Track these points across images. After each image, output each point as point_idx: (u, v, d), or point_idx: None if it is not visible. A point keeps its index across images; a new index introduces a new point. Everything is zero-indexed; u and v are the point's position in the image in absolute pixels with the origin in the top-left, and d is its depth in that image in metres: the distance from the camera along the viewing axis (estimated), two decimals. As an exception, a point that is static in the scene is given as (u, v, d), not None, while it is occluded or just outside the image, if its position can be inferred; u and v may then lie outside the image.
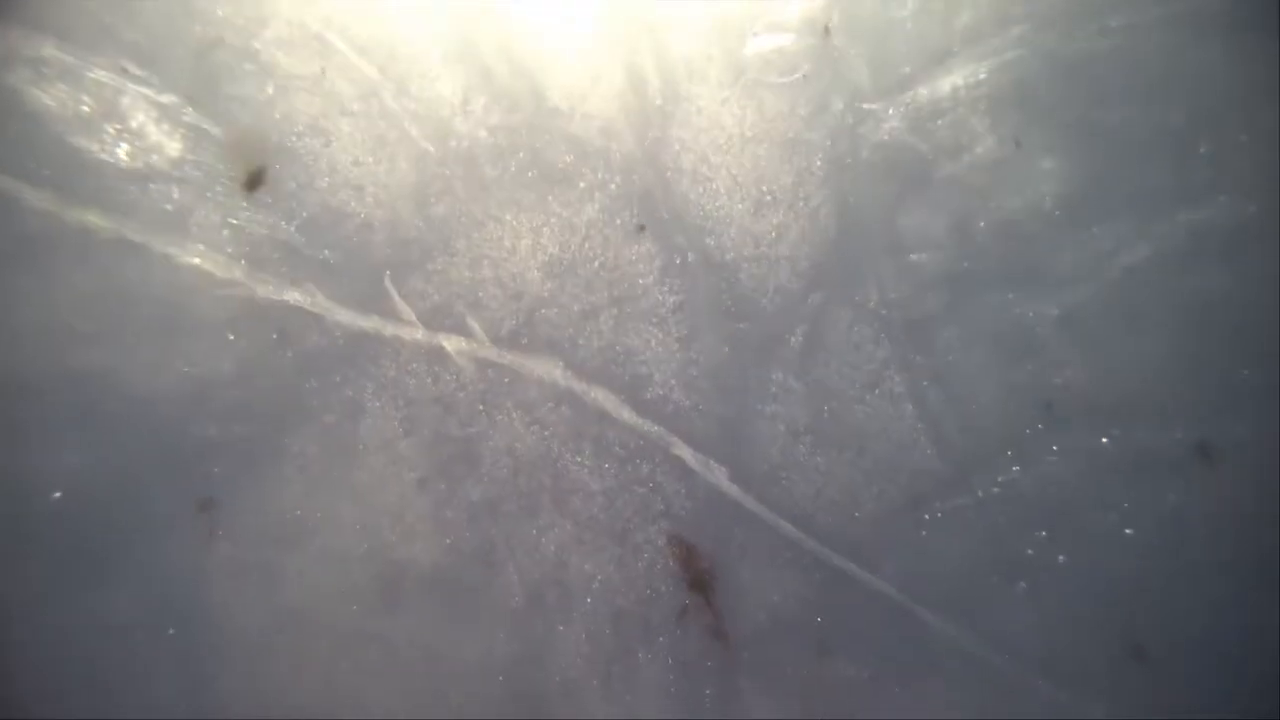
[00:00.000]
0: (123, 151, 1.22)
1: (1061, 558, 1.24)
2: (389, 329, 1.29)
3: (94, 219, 1.21)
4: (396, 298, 1.29)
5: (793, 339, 1.32)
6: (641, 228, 1.34)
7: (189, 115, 1.25)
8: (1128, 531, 1.22)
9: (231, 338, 1.24)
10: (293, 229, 1.29)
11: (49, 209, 1.21)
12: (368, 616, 1.27)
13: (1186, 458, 1.25)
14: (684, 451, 1.31)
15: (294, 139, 1.30)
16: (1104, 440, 1.24)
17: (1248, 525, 1.24)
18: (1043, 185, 1.27)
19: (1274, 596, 1.23)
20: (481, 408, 1.30)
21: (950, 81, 1.32)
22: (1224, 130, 1.23)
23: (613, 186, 1.34)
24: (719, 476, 1.31)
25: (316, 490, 1.27)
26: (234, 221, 1.27)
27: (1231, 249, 1.23)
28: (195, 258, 1.25)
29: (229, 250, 1.26)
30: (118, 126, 1.23)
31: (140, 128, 1.23)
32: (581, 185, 1.35)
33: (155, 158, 1.23)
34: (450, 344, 1.30)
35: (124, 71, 1.25)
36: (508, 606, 1.28)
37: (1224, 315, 1.24)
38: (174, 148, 1.25)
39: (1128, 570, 1.24)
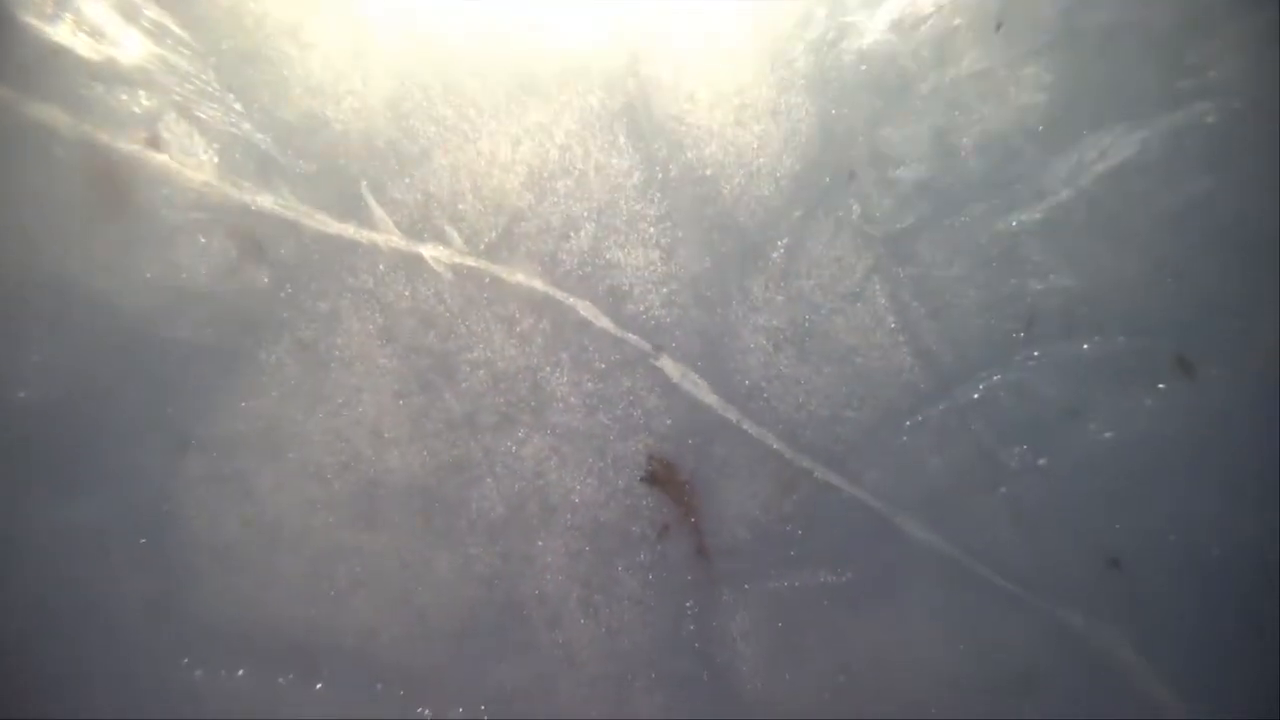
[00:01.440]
0: (88, 47, 1.19)
1: (1040, 465, 1.24)
2: (365, 236, 1.27)
3: (58, 116, 1.18)
4: (374, 205, 1.27)
5: (774, 252, 1.31)
6: (622, 141, 1.32)
7: (153, 12, 1.23)
8: (1105, 435, 1.22)
9: (203, 241, 1.22)
10: (268, 137, 1.26)
11: (9, 103, 1.18)
12: (343, 529, 1.25)
13: (1165, 368, 1.25)
14: (664, 364, 1.30)
15: (269, 44, 1.27)
16: (1084, 349, 1.24)
17: (1225, 436, 1.25)
18: (1025, 95, 1.27)
19: (1249, 507, 1.24)
20: (460, 319, 1.28)
21: (933, -5, 1.31)
22: (1209, 33, 1.22)
23: (593, 100, 1.33)
24: (700, 389, 1.30)
25: (291, 401, 1.25)
26: (207, 125, 1.24)
27: (1215, 154, 1.23)
28: (165, 160, 1.22)
29: (201, 155, 1.24)
30: (83, 21, 1.20)
31: (105, 23, 1.20)
32: (562, 98, 1.33)
33: (122, 55, 1.20)
34: (429, 252, 1.28)
35: (92, -29, 1.22)
36: (486, 519, 1.27)
37: (1206, 222, 1.24)
38: (142, 46, 1.22)
39: (1105, 479, 1.25)
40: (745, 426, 1.29)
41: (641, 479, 1.29)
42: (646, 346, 1.30)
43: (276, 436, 1.25)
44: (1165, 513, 1.23)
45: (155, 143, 1.23)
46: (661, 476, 1.29)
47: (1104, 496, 1.24)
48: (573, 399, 1.28)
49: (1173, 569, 1.23)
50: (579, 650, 1.25)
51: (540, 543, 1.27)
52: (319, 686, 1.22)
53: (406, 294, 1.28)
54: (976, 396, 1.25)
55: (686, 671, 1.26)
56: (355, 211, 1.28)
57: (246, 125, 1.26)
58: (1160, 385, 1.23)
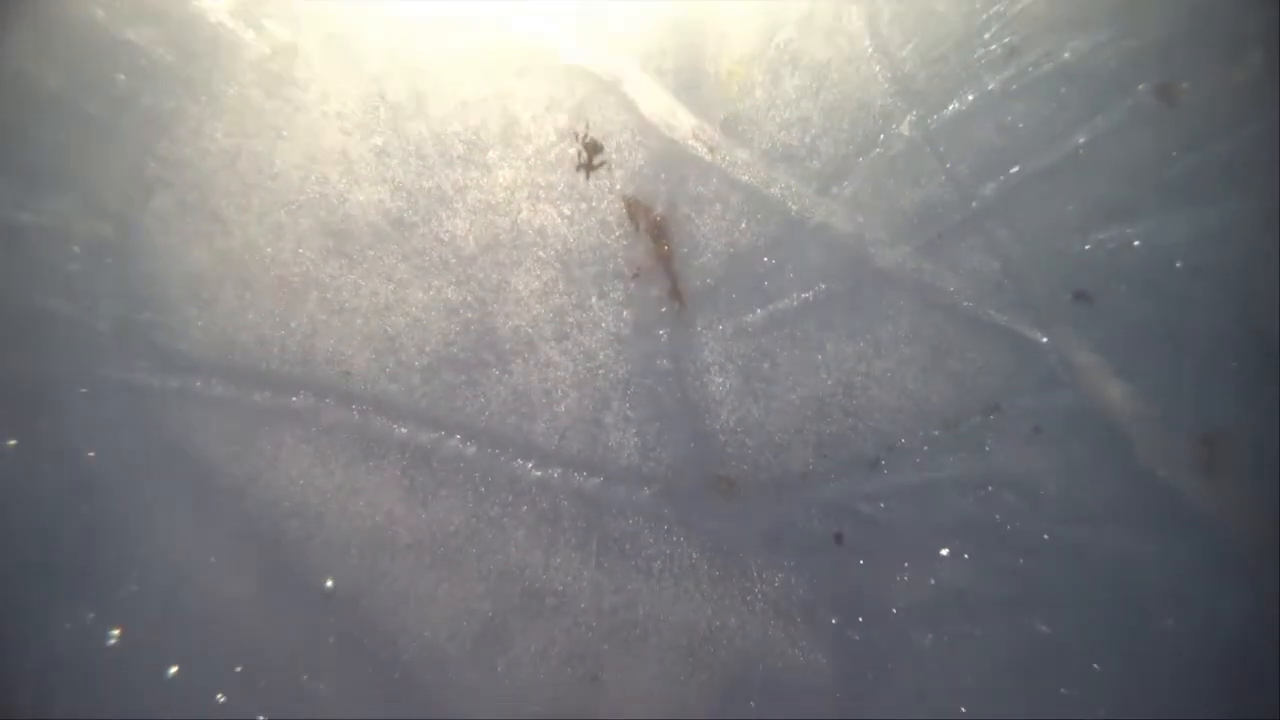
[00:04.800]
0: None
1: (1012, 192, 1.23)
2: (324, -46, 1.22)
3: None
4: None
5: (750, -21, 1.27)
6: None
7: None
8: (1082, 154, 1.21)
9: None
10: None
11: None
12: (314, 263, 1.25)
13: (1146, 97, 1.23)
14: (638, 95, 1.27)
15: None
16: (1063, 74, 1.22)
17: (1199, 165, 1.24)
18: None
19: (1220, 244, 1.24)
20: (428, 48, 1.25)
21: None
22: None
23: None
24: (676, 122, 1.28)
25: (256, 132, 1.23)
26: None
27: None
28: None
29: None
30: None
31: None
32: None
33: None
34: (390, -28, 1.23)
35: None
36: (458, 253, 1.27)
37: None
38: None
39: (1080, 207, 1.24)
40: (717, 162, 1.27)
41: (615, 214, 1.28)
42: (620, 75, 1.27)
43: (244, 169, 1.23)
44: (1137, 247, 1.23)
45: None
46: (635, 212, 1.29)
47: (1077, 225, 1.24)
48: (545, 127, 1.26)
49: (1138, 296, 1.24)
50: (553, 381, 1.27)
51: (513, 277, 1.27)
52: (295, 401, 1.22)
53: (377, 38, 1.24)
54: (953, 124, 1.23)
55: (660, 403, 1.28)
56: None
57: None
58: (1140, 107, 1.22)
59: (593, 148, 1.25)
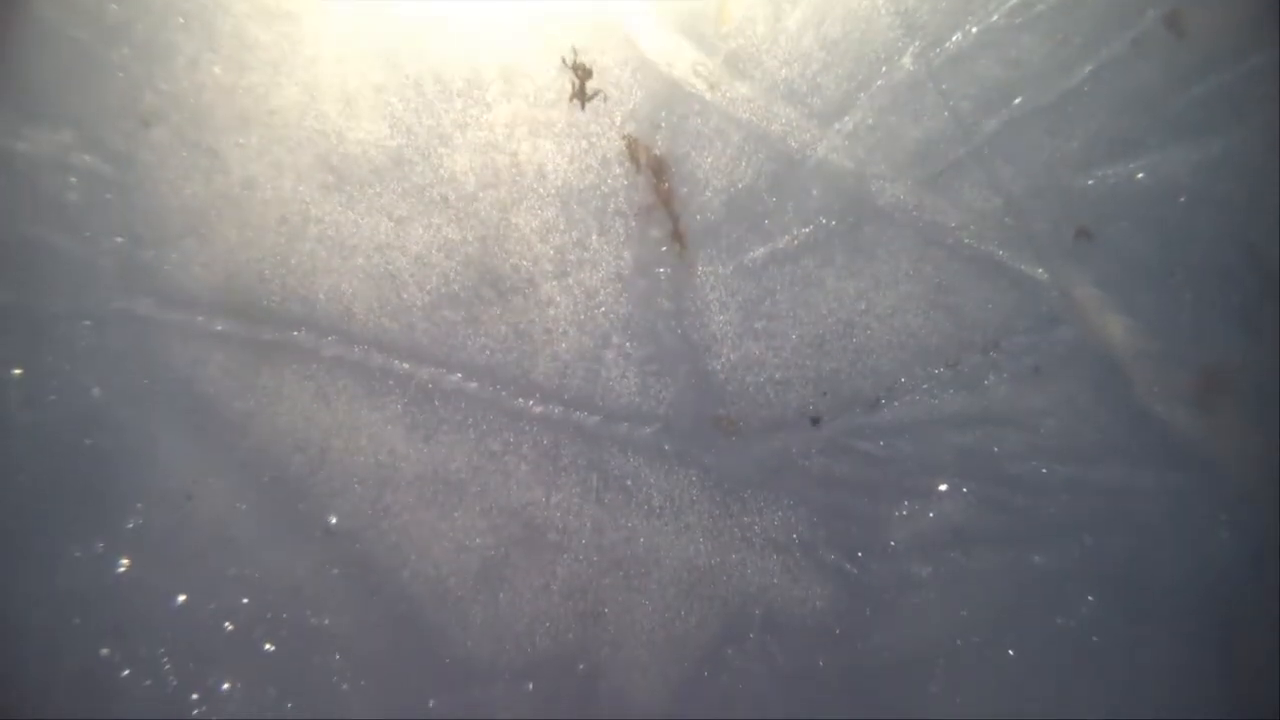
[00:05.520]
0: None
1: (1015, 128, 1.23)
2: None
3: None
4: None
5: (751, -89, 1.25)
6: None
7: None
8: (1087, 87, 1.21)
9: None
10: None
11: None
12: (312, 200, 1.24)
13: (1154, 26, 1.22)
14: (638, 32, 1.26)
15: None
16: (1069, 4, 1.20)
17: (1206, 96, 1.23)
18: None
19: (1224, 176, 1.23)
20: (424, -18, 1.23)
21: None
22: None
23: None
24: (677, 59, 1.27)
25: (254, 66, 1.22)
26: None
27: None
28: None
29: None
30: None
31: None
32: None
33: None
34: (386, -98, 1.22)
35: None
36: (459, 191, 1.26)
37: None
38: None
39: (1084, 142, 1.24)
40: (717, 97, 1.27)
41: (615, 153, 1.27)
42: (619, 11, 1.25)
43: (241, 104, 1.22)
44: (1137, 174, 1.23)
45: None
46: (635, 150, 1.28)
47: (1079, 161, 1.24)
48: (544, 64, 1.25)
49: (1140, 231, 1.23)
50: (554, 320, 1.27)
51: (513, 215, 1.27)
52: (297, 337, 1.23)
53: (367, -44, 1.23)
54: (957, 63, 1.22)
55: (661, 341, 1.28)
56: None
57: None
58: (1147, 37, 1.21)
59: (582, 72, 1.24)
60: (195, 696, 1.13)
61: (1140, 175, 1.21)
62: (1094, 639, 1.18)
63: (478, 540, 1.24)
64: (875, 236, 1.26)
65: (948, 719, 1.21)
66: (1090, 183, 1.22)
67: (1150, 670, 1.20)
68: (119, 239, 1.19)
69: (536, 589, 1.25)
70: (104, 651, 1.12)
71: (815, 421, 1.21)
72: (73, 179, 1.16)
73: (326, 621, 1.22)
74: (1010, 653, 1.21)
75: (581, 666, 1.24)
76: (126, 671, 1.12)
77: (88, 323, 1.17)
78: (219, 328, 1.21)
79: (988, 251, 1.25)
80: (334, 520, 1.23)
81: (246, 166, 1.23)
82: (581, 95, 1.24)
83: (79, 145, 1.16)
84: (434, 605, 1.24)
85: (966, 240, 1.25)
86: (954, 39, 1.23)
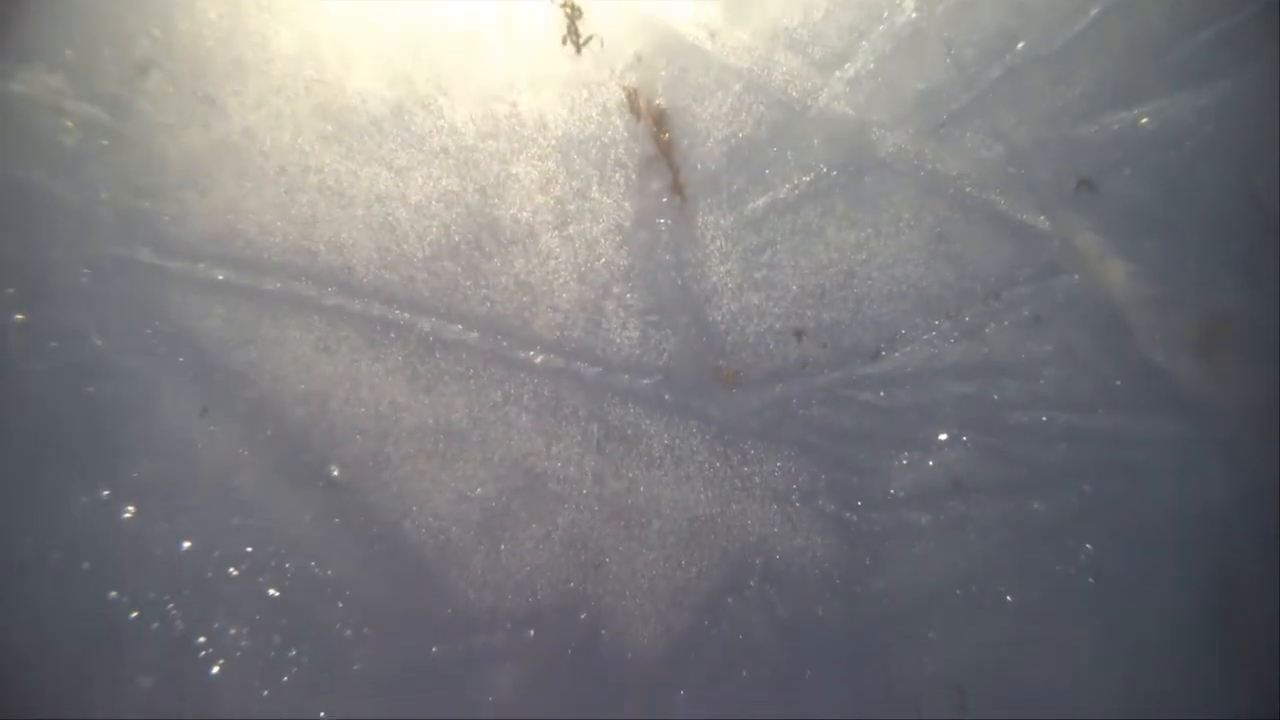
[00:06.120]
0: None
1: (1018, 76, 1.22)
2: None
3: None
4: None
5: None
6: None
7: None
8: (1093, 32, 1.19)
9: None
10: None
11: None
12: (311, 150, 1.24)
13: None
14: (637, -22, 1.25)
15: None
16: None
17: (1213, 40, 1.22)
18: None
19: (1230, 121, 1.22)
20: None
21: None
22: None
23: None
24: (677, 8, 1.25)
25: (251, 13, 1.21)
26: None
27: None
28: None
29: None
30: None
31: None
32: None
33: None
34: None
35: None
36: (459, 142, 1.26)
37: None
38: None
39: (1088, 89, 1.23)
40: (718, 46, 1.26)
41: (615, 104, 1.26)
42: (618, -42, 1.24)
43: (238, 54, 1.21)
44: (1141, 119, 1.22)
45: None
46: (635, 101, 1.27)
47: (1083, 110, 1.23)
48: (538, 16, 1.24)
49: (1144, 177, 1.23)
50: (554, 271, 1.27)
51: (513, 165, 1.27)
52: (298, 288, 1.22)
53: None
54: (957, 1, 1.21)
55: (662, 293, 1.28)
56: None
57: None
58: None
59: (573, 11, 1.23)
60: (202, 639, 1.15)
61: (1144, 120, 1.20)
62: (1090, 580, 1.19)
63: (479, 490, 1.25)
64: (877, 186, 1.25)
65: (947, 664, 1.23)
66: (1094, 130, 1.22)
67: (1147, 615, 1.21)
68: (116, 186, 1.19)
69: (538, 538, 1.26)
70: (112, 594, 1.13)
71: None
72: (67, 123, 1.15)
73: (330, 571, 1.23)
74: (1008, 598, 1.22)
75: (583, 615, 1.25)
76: (134, 613, 1.13)
77: (86, 271, 1.17)
78: (220, 277, 1.21)
79: (989, 200, 1.24)
80: (335, 471, 1.24)
81: (245, 115, 1.22)
82: (574, 36, 1.23)
83: (73, 90, 1.16)
84: (436, 555, 1.25)
85: (968, 189, 1.24)
86: (957, -16, 1.22)
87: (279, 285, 1.23)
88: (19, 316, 1.12)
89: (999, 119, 1.23)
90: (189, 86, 1.20)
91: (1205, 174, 1.21)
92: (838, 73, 1.25)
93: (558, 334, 1.28)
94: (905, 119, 1.24)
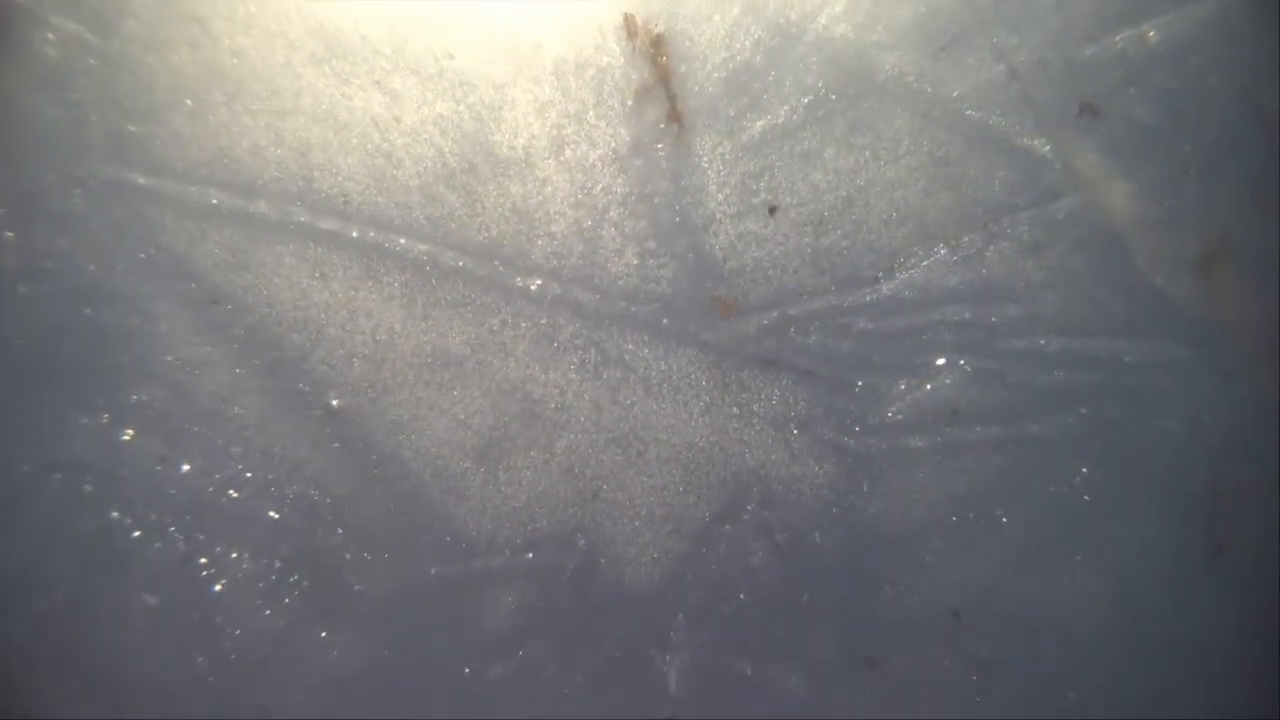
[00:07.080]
0: None
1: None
2: None
3: None
4: None
5: None
6: None
7: None
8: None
9: None
10: None
11: None
12: (303, 73, 1.22)
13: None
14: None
15: None
16: None
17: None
18: None
19: (1234, 37, 1.21)
20: None
21: None
22: None
23: None
24: (670, -75, 1.23)
25: (239, -68, 1.19)
26: None
27: None
28: None
29: None
30: None
31: None
32: None
33: None
34: None
35: None
36: (455, 67, 1.24)
37: None
38: None
39: (1092, 8, 1.21)
40: (718, -36, 1.24)
41: (613, 29, 1.25)
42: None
43: (227, -26, 1.20)
44: (1149, 33, 1.20)
45: None
46: (633, 27, 1.25)
47: (1086, 31, 1.21)
48: (537, -65, 1.22)
49: (1147, 99, 1.21)
50: (551, 198, 1.26)
51: (510, 91, 1.25)
52: (293, 213, 1.22)
53: None
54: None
55: (659, 220, 1.27)
56: None
57: None
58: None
59: None
60: (203, 560, 1.16)
61: (1151, 34, 1.19)
62: (1085, 499, 1.20)
63: (477, 418, 1.25)
64: (875, 109, 1.24)
65: (943, 588, 1.24)
66: (1098, 50, 1.20)
67: (1139, 535, 1.22)
68: (105, 108, 1.17)
69: (536, 465, 1.26)
70: (114, 515, 1.14)
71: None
72: (49, 35, 1.14)
73: (329, 499, 1.24)
74: (1004, 520, 1.22)
75: (581, 542, 1.26)
76: (137, 534, 1.14)
77: (79, 192, 1.16)
78: (214, 201, 1.20)
79: (990, 123, 1.23)
80: (334, 400, 1.24)
81: (235, 37, 1.21)
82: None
83: (59, 7, 1.14)
84: (434, 481, 1.25)
85: (969, 112, 1.23)
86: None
87: (273, 211, 1.22)
88: (9, 234, 1.11)
89: (1001, 39, 1.22)
90: (177, 6, 1.19)
91: (1211, 94, 1.19)
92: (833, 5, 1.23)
93: (555, 261, 1.27)
94: (905, 40, 1.22)
